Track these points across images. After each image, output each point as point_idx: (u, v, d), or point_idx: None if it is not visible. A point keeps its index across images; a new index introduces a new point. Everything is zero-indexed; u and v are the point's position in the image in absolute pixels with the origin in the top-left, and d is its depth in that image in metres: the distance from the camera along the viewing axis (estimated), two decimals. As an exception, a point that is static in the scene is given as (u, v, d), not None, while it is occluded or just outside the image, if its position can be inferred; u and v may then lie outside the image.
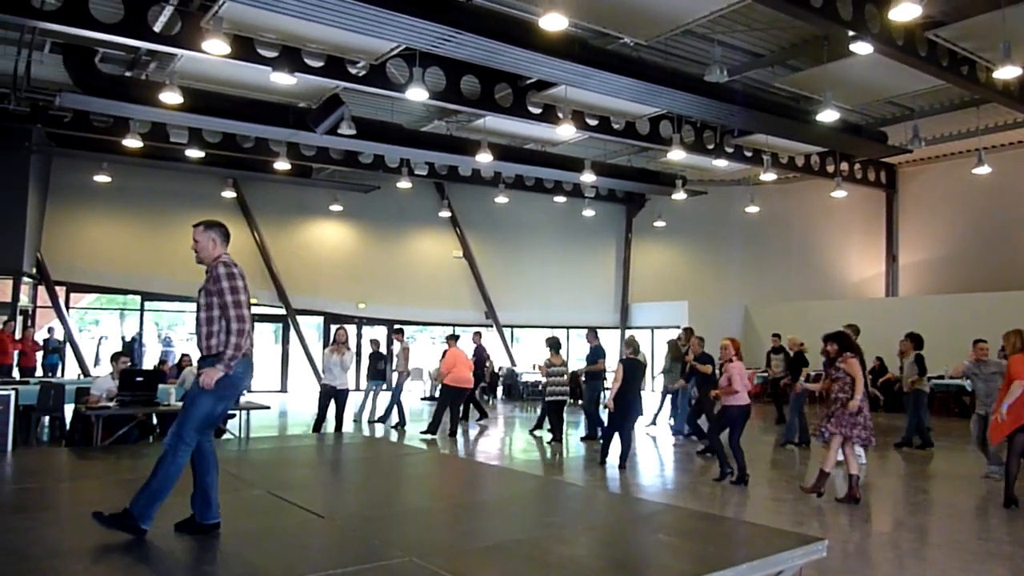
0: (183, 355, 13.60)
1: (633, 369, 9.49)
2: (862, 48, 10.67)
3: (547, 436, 12.05)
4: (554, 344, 12.13)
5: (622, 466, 9.39)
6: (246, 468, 7.26)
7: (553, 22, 9.01)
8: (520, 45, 10.41)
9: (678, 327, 21.11)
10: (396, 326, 16.44)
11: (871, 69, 12.77)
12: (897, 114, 16.17)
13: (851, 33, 10.29)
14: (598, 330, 12.91)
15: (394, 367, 14.46)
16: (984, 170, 16.77)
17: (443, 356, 12.97)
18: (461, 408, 13.23)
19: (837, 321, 17.38)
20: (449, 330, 20.69)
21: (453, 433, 12.23)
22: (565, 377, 12.09)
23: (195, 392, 4.29)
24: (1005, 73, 10.94)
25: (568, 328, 23.37)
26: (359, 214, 21.34)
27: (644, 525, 4.94)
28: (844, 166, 19.31)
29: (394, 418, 13.61)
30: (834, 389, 7.78)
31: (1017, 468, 7.36)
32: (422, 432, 12.39)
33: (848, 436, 7.58)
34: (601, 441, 10.19)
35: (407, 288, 21.69)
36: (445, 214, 22.19)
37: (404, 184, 18.89)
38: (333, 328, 14.12)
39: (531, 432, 12.84)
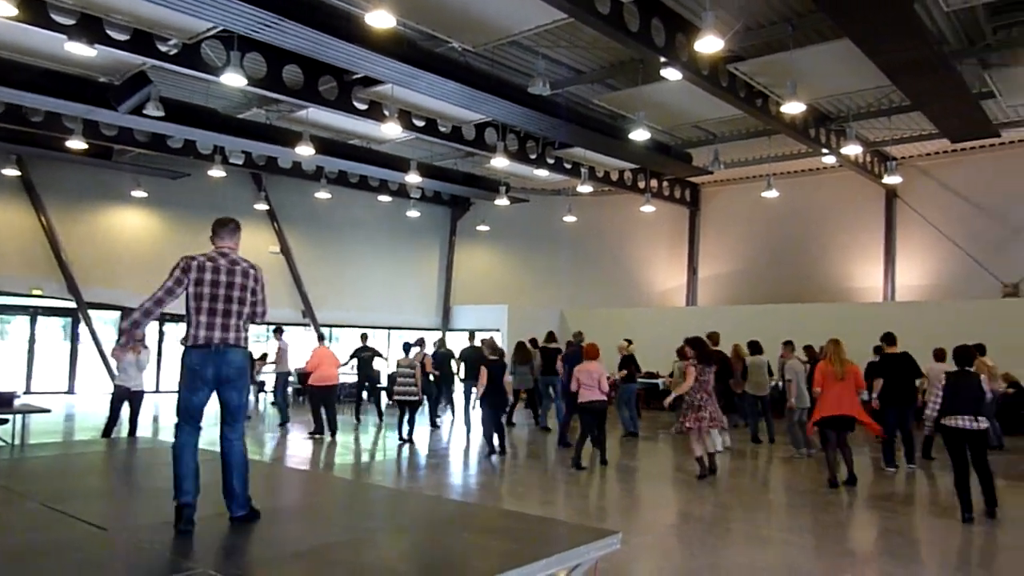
0: None
1: (500, 369, 11.26)
2: (672, 74, 11.45)
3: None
4: (406, 347, 12.72)
5: (503, 451, 10.93)
6: (18, 478, 6.51)
7: (380, 19, 8.91)
8: (346, 39, 10.17)
9: (497, 330, 21.67)
10: (275, 325, 15.66)
11: (680, 94, 13.75)
12: (701, 138, 17.52)
13: (663, 59, 11.01)
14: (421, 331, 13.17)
15: (271, 365, 14.69)
16: (772, 194, 18.59)
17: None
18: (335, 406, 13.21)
19: (644, 327, 18.67)
20: (263, 329, 19.83)
21: (334, 432, 12.61)
22: (414, 378, 12.15)
23: (178, 387, 4.72)
24: (791, 108, 12.18)
25: (389, 329, 23.20)
26: (165, 202, 19.88)
27: (451, 525, 4.98)
28: (653, 183, 20.63)
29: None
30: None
31: (832, 455, 8.77)
32: (310, 433, 12.69)
33: (699, 427, 9.12)
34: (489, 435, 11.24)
35: (218, 283, 20.51)
36: (262, 207, 21.23)
37: (217, 172, 17.85)
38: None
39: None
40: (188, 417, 4.65)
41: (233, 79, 11.17)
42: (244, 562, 4.10)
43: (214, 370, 4.61)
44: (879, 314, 17.48)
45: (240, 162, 18.17)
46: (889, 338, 10.38)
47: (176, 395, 4.71)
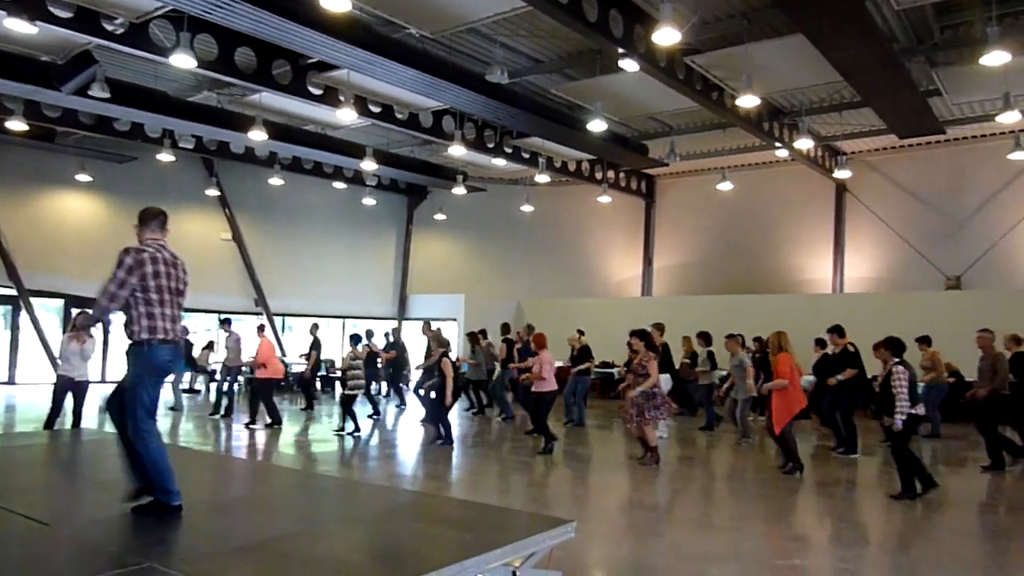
0: None
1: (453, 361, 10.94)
2: (630, 65, 11.50)
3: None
4: (354, 339, 12.38)
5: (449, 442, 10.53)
6: (-46, 471, 6.27)
7: (335, 2, 8.78)
8: (301, 22, 9.99)
9: (454, 319, 21.63)
10: (223, 316, 15.17)
11: (637, 86, 13.81)
12: (658, 130, 17.63)
13: (620, 50, 11.05)
14: (375, 320, 13.01)
15: (225, 358, 13.96)
16: (727, 186, 18.86)
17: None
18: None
19: (600, 317, 18.82)
20: (213, 317, 19.49)
21: (279, 422, 12.42)
22: (362, 371, 11.99)
23: (131, 381, 4.47)
24: (746, 102, 12.34)
25: (344, 317, 22.97)
26: (111, 186, 19.29)
27: (404, 515, 4.94)
28: (610, 174, 20.75)
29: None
30: (639, 383, 9.15)
31: (794, 443, 8.91)
32: (267, 425, 12.40)
33: (652, 418, 9.16)
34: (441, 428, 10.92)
35: (167, 271, 19.96)
36: (213, 192, 20.76)
37: (166, 157, 17.41)
38: (75, 312, 12.79)
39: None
40: (154, 413, 4.52)
41: (183, 61, 10.88)
42: (191, 556, 4.00)
43: (176, 364, 4.64)
44: (828, 305, 17.85)
45: (190, 146, 17.73)
46: (840, 331, 10.61)
47: (137, 391, 4.42)
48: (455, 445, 10.69)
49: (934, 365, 12.05)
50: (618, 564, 5.64)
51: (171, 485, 4.46)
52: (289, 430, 12.38)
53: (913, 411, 7.48)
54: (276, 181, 19.74)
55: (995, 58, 10.18)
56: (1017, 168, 17.09)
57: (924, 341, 11.98)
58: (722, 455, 10.95)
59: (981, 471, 9.27)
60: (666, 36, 9.68)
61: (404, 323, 23.51)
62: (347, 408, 11.72)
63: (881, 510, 7.41)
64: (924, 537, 6.73)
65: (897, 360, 7.60)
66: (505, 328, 14.74)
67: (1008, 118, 12.64)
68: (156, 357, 4.47)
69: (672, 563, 5.57)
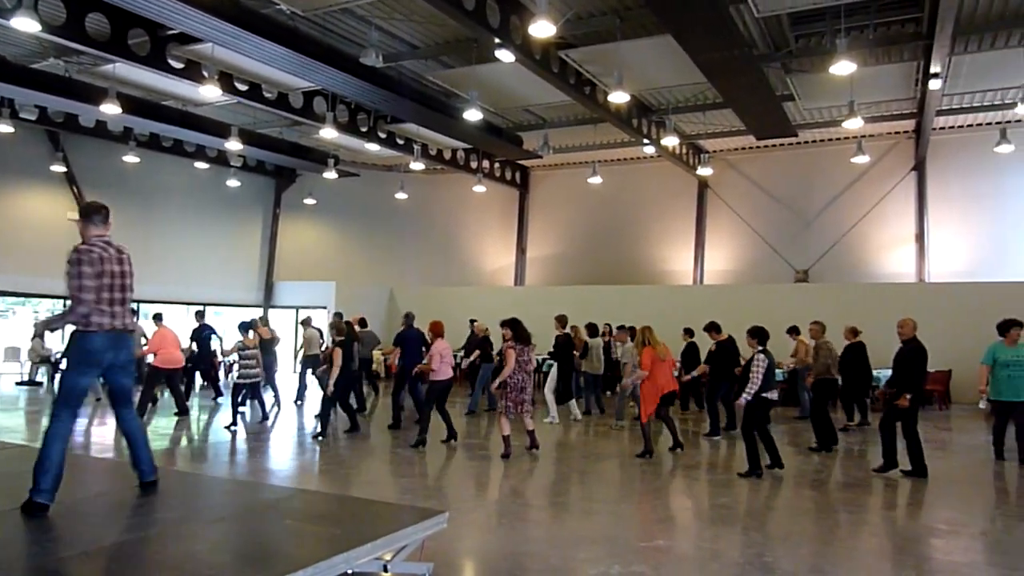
0: None
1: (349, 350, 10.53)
2: (505, 56, 11.54)
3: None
4: (243, 326, 11.78)
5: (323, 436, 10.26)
6: None
7: (199, -29, 8.26)
8: (159, -11, 9.37)
9: (324, 308, 21.06)
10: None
11: (512, 76, 13.90)
12: (532, 122, 17.85)
13: (497, 40, 11.07)
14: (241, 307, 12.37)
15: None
16: (597, 180, 19.36)
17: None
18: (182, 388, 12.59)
19: (474, 306, 18.86)
20: (59, 303, 18.19)
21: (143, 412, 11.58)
22: (256, 359, 11.43)
23: (63, 370, 4.85)
24: (617, 98, 12.67)
25: (205, 305, 21.82)
26: (-61, 158, 17.45)
27: (271, 512, 4.75)
28: (485, 164, 20.83)
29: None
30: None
31: (651, 429, 9.27)
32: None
33: (520, 409, 9.10)
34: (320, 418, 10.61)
35: (6, 253, 18.31)
36: (59, 168, 19.14)
37: (5, 128, 15.88)
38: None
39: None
40: (75, 402, 4.56)
41: (25, 24, 9.95)
42: (29, 564, 3.66)
43: (110, 356, 4.67)
44: (690, 296, 18.76)
45: (33, 117, 16.29)
46: (717, 327, 11.14)
47: (62, 382, 4.70)
48: (330, 438, 10.40)
49: (796, 352, 12.91)
50: (490, 553, 5.66)
51: (41, 477, 4.35)
52: (161, 424, 11.65)
53: (766, 395, 8.00)
54: (131, 159, 18.48)
55: (843, 68, 10.98)
56: (858, 171, 18.55)
57: (793, 331, 12.93)
58: (598, 439, 11.21)
59: (808, 450, 9.95)
60: (542, 29, 9.77)
61: (271, 311, 22.70)
62: (238, 399, 11.13)
63: (735, 490, 7.83)
64: (773, 514, 7.17)
65: (760, 348, 8.13)
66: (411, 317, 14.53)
67: (852, 124, 13.68)
68: (86, 345, 4.58)
69: (543, 548, 5.65)
